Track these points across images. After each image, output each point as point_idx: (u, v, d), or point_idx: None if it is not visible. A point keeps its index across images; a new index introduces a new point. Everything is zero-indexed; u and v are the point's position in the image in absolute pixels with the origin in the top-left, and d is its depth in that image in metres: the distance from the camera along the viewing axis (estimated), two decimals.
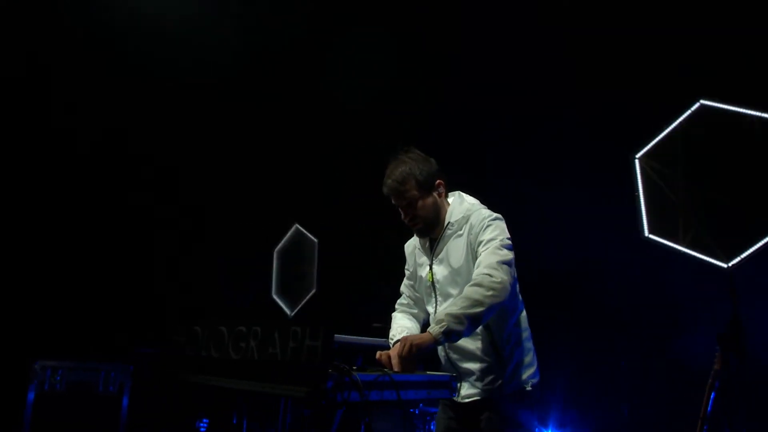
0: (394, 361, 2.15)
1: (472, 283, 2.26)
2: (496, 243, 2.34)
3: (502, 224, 2.44)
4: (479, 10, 4.77)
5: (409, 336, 2.24)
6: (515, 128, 4.83)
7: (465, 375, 2.46)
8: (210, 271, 5.32)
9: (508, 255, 2.33)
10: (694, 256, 2.99)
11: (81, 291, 5.32)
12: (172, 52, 5.17)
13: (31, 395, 4.73)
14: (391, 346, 2.45)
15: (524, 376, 2.46)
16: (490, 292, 2.20)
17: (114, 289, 5.41)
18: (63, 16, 4.85)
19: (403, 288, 2.80)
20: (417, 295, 2.71)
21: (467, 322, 2.16)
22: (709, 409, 2.92)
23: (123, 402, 5.05)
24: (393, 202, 2.54)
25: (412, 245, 2.72)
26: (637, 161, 3.23)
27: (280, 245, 5.41)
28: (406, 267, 2.77)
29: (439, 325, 2.16)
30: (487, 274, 2.24)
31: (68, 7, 4.84)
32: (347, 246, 5.26)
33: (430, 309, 2.61)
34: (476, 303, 2.18)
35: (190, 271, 5.42)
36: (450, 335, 2.15)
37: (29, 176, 5.33)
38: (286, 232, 5.44)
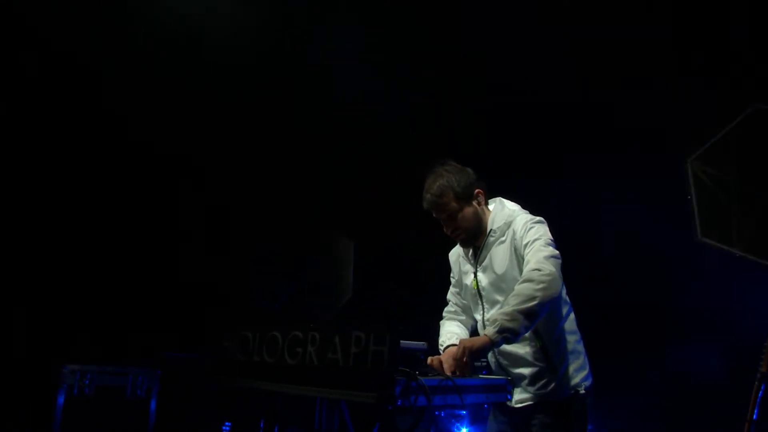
0: (449, 365, 2.13)
1: (521, 280, 2.26)
2: (541, 242, 2.35)
3: (545, 226, 2.45)
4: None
5: (464, 340, 2.22)
6: (569, 131, 4.81)
7: (517, 380, 2.44)
8: (241, 274, 5.31)
9: (555, 252, 2.33)
10: (748, 259, 2.97)
11: (108, 293, 5.32)
12: (202, 54, 5.17)
13: (61, 399, 4.74)
14: (441, 351, 2.44)
15: (577, 380, 2.44)
16: (540, 285, 2.19)
17: (140, 291, 5.41)
18: (99, 15, 4.87)
19: (449, 296, 2.80)
20: (464, 302, 2.72)
21: (522, 318, 2.15)
22: (756, 411, 2.90)
23: (150, 406, 5.07)
24: (434, 215, 2.54)
25: (456, 254, 2.74)
26: (690, 165, 3.21)
27: (314, 248, 5.41)
28: (451, 275, 2.79)
29: (494, 326, 2.15)
30: (536, 269, 2.24)
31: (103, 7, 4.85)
32: (384, 250, 5.26)
33: (478, 316, 2.61)
34: (528, 298, 2.17)
35: (219, 274, 5.42)
36: (506, 334, 2.13)
37: (55, 178, 5.34)
38: (321, 235, 5.44)
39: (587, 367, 2.49)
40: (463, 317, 2.73)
